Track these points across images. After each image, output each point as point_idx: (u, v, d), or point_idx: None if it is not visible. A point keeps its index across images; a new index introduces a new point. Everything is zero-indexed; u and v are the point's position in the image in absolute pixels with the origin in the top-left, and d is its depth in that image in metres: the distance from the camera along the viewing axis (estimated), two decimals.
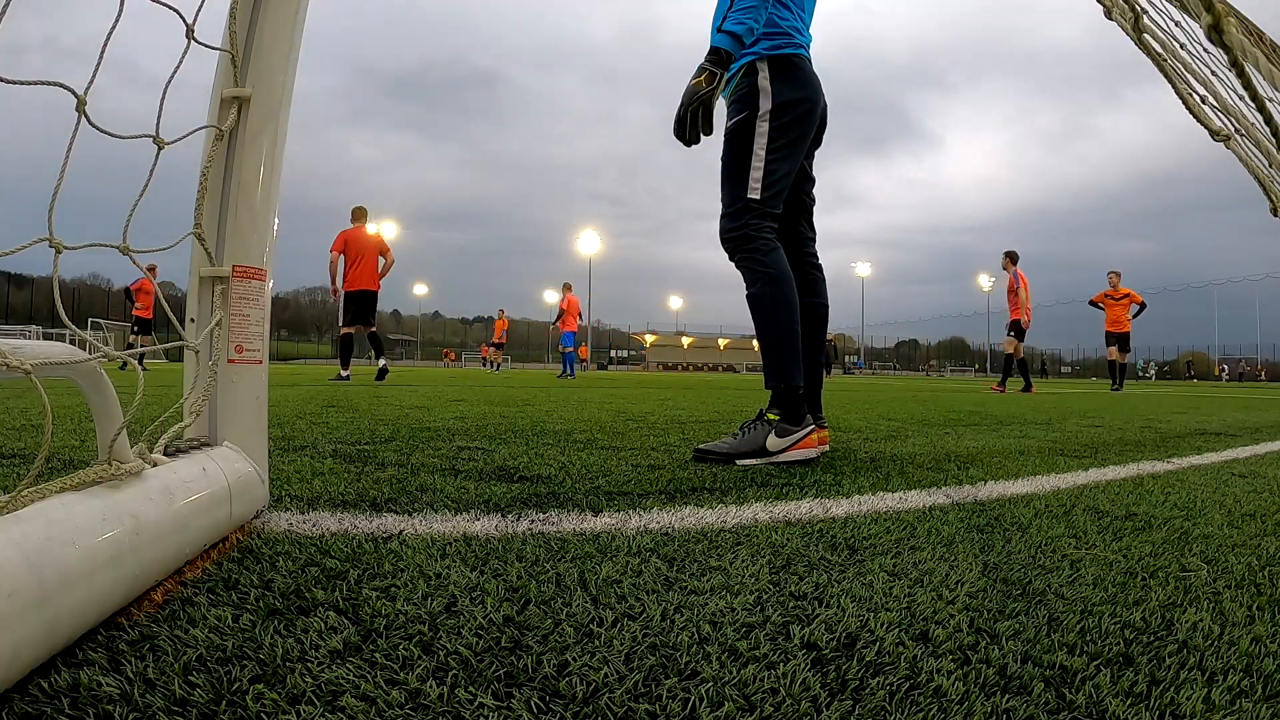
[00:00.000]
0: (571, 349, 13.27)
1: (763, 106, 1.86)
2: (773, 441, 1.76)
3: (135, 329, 11.85)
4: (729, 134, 1.92)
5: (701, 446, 1.81)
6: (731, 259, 1.93)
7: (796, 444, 1.78)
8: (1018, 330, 9.03)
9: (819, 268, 2.17)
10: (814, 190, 2.19)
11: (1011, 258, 9.17)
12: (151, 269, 9.47)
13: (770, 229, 1.89)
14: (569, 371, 13.04)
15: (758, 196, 1.86)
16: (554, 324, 13.91)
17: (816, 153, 2.17)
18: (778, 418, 1.80)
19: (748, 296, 1.91)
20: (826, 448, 2.06)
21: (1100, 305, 10.66)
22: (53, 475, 1.28)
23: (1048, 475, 1.69)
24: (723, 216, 1.92)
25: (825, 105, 2.04)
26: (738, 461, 1.74)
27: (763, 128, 1.87)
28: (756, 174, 1.86)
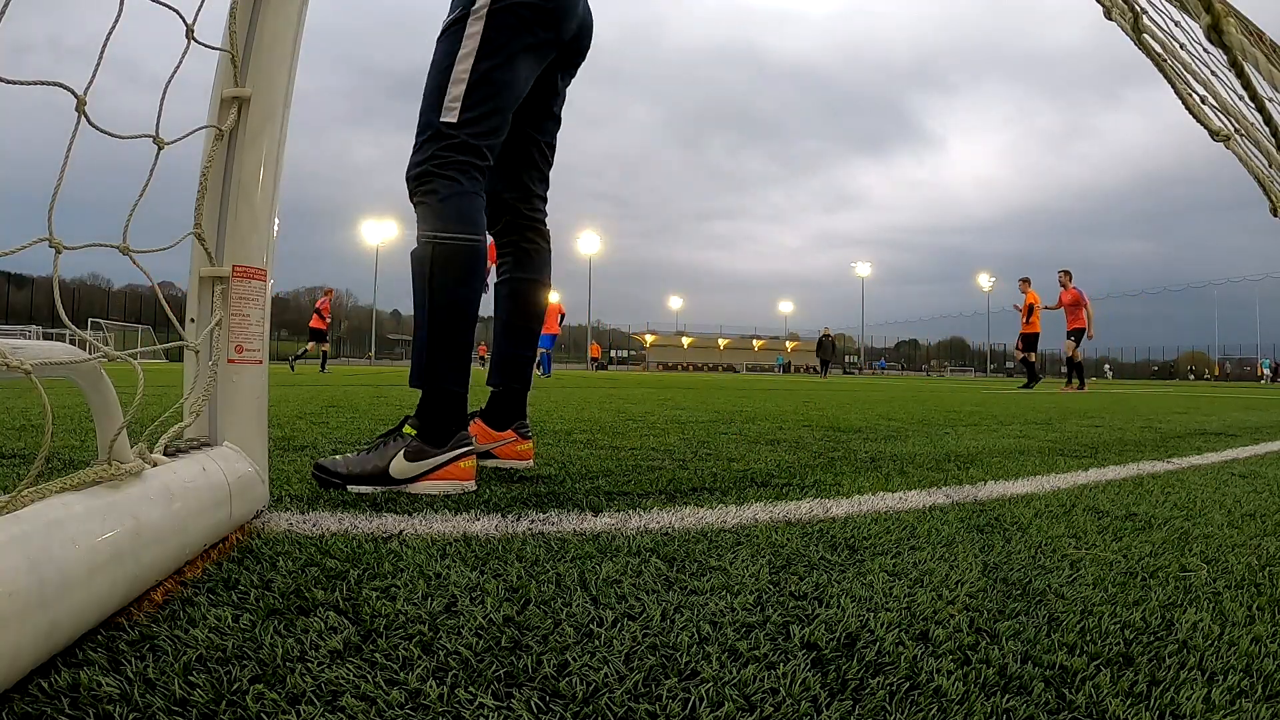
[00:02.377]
0: (548, 350, 14.23)
1: (479, 0, 1.39)
2: (399, 466, 1.31)
3: (312, 339, 14.42)
4: (438, 40, 1.46)
5: (321, 462, 1.36)
6: (411, 202, 1.46)
7: (433, 473, 1.31)
8: (1078, 336, 10.31)
9: (545, 234, 1.70)
10: (557, 134, 1.70)
11: (1068, 274, 10.48)
12: (329, 291, 14.46)
13: (464, 165, 1.40)
14: (545, 371, 14.04)
15: (454, 119, 1.39)
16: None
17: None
18: (415, 432, 1.35)
19: (411, 254, 1.44)
20: (530, 463, 1.63)
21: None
22: (53, 475, 1.28)
23: (1048, 475, 1.69)
24: (413, 149, 1.46)
25: (585, 21, 1.58)
26: (350, 487, 1.29)
27: (475, 28, 1.40)
28: (456, 89, 1.39)
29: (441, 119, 1.40)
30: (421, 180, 1.41)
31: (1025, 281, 11.29)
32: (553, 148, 1.69)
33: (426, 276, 1.38)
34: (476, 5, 1.39)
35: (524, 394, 1.65)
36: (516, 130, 1.59)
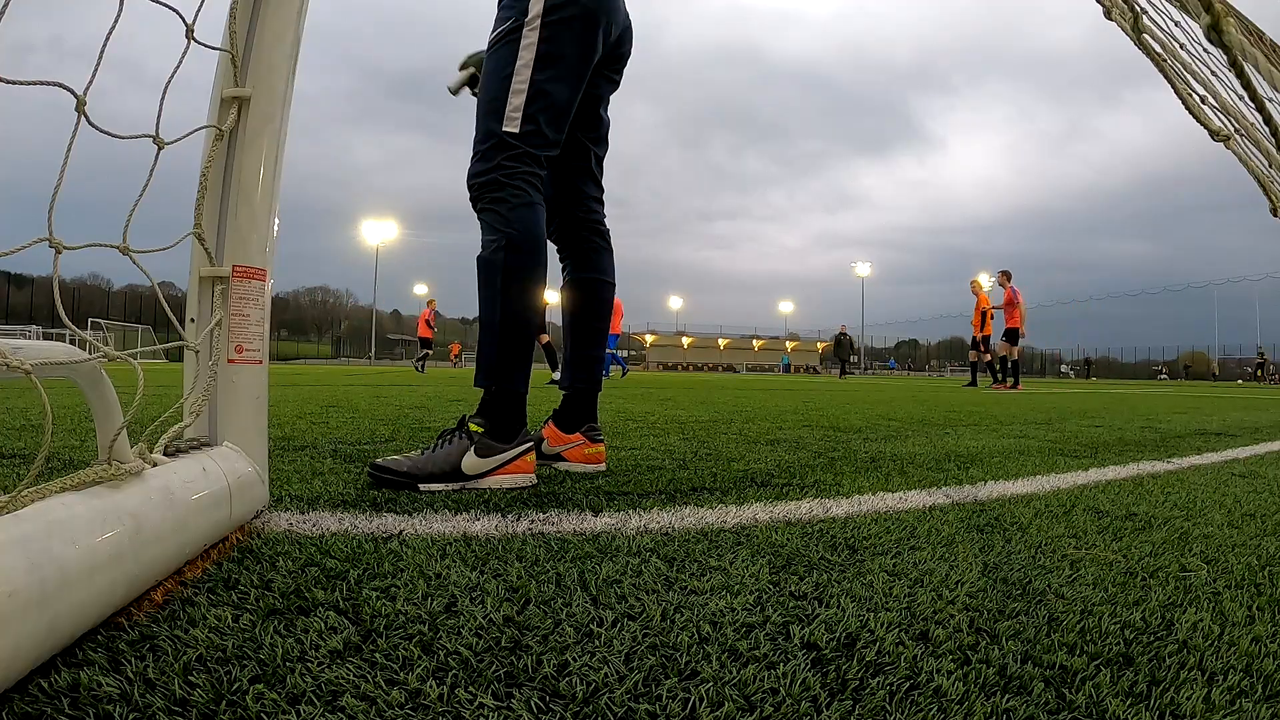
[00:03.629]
0: (614, 349, 14.17)
1: (532, 9, 1.44)
2: (470, 462, 1.36)
3: (420, 345, 16.29)
4: (490, 47, 1.52)
5: (380, 462, 1.37)
6: (475, 208, 1.50)
7: (503, 467, 1.38)
8: (1012, 336, 10.50)
9: (604, 234, 1.75)
10: (608, 135, 1.76)
11: (1007, 275, 10.68)
12: (431, 302, 16.57)
13: (529, 175, 1.46)
14: (624, 370, 13.86)
15: (516, 130, 1.44)
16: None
17: (613, 95, 1.74)
18: (482, 430, 1.39)
19: (478, 260, 1.47)
20: (602, 466, 1.65)
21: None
22: (53, 475, 1.28)
23: (1048, 475, 1.69)
24: (472, 157, 1.50)
25: (627, 26, 1.61)
26: (421, 486, 1.32)
27: (530, 38, 1.44)
28: (517, 99, 1.44)
29: (504, 128, 1.44)
30: (490, 188, 1.45)
31: (976, 284, 11.53)
32: (602, 145, 1.74)
33: (498, 284, 1.43)
34: (530, 15, 1.43)
35: (593, 395, 1.69)
36: (567, 136, 1.63)
